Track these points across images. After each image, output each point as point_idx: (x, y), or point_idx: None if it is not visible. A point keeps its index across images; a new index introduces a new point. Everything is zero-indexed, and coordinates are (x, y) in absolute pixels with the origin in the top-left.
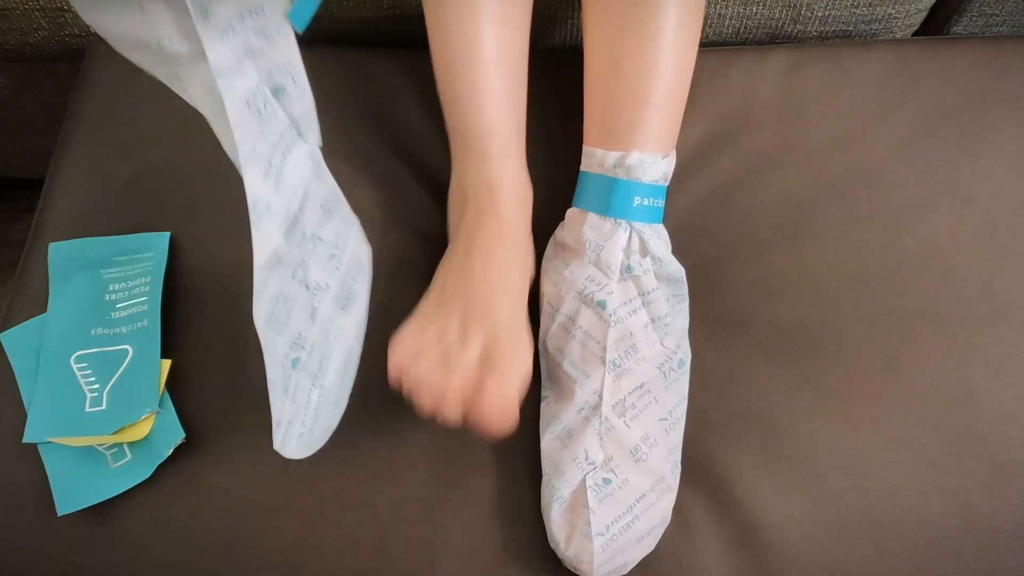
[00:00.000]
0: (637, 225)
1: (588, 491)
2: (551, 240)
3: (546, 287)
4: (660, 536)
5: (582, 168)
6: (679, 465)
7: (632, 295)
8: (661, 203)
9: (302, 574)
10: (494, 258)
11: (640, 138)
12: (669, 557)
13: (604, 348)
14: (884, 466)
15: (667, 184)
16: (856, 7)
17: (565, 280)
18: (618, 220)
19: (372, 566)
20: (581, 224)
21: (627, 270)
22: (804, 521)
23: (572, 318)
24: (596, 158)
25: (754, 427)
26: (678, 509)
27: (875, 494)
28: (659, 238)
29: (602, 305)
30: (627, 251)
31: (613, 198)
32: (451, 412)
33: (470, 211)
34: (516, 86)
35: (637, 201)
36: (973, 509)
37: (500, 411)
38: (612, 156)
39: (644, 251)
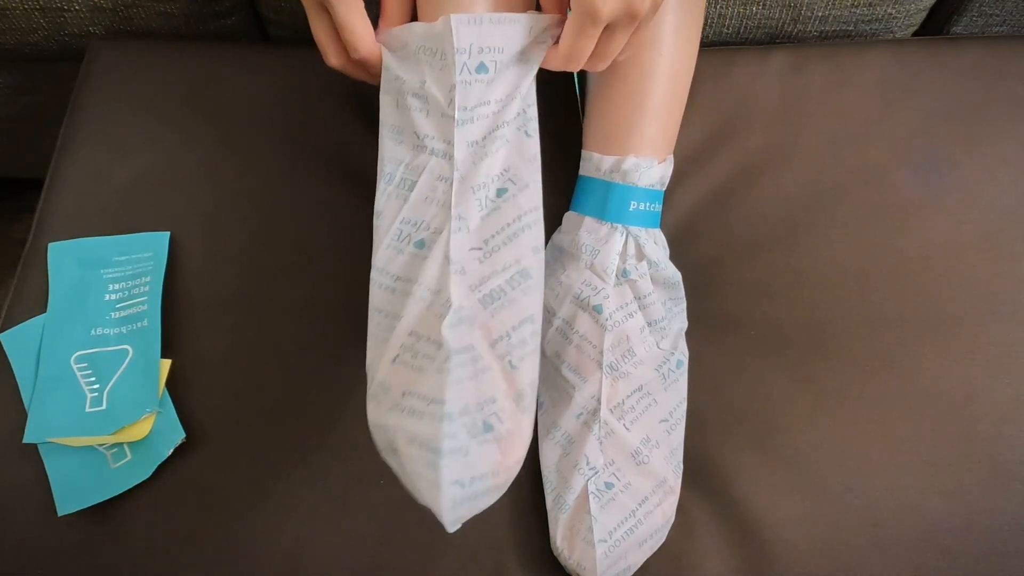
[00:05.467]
0: (633, 229)
1: (590, 497)
2: (548, 244)
3: (544, 293)
4: (664, 537)
5: (580, 172)
6: (681, 466)
7: (628, 299)
8: (658, 208)
9: (302, 574)
10: None
11: (636, 142)
12: (669, 557)
13: (601, 352)
14: (884, 466)
15: (664, 189)
16: (856, 7)
17: (562, 285)
18: (614, 224)
19: (372, 566)
20: (578, 228)
21: (623, 274)
22: (804, 521)
23: (569, 323)
24: (593, 162)
25: (754, 427)
26: (678, 509)
27: (875, 494)
28: (655, 243)
29: (598, 310)
30: (623, 255)
31: (609, 202)
32: None
33: None
34: None
35: (633, 205)
36: (973, 509)
37: None
38: (608, 160)
39: (640, 255)
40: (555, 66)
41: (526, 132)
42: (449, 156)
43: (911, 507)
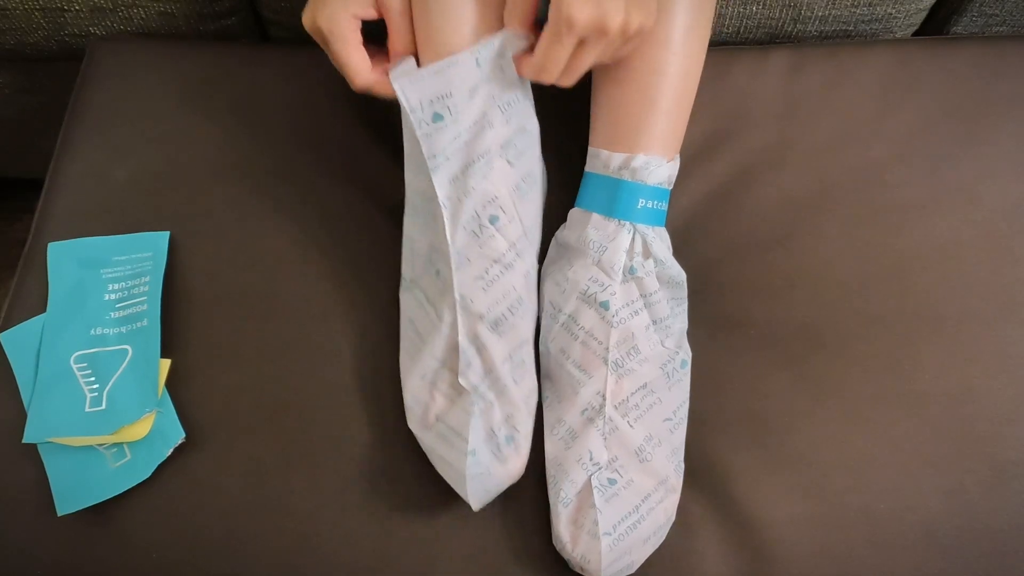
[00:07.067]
0: (640, 227)
1: (594, 491)
2: (552, 241)
3: (548, 289)
4: (664, 536)
5: (587, 169)
6: (682, 465)
7: (634, 296)
8: (664, 206)
9: (302, 574)
10: None
11: (646, 140)
12: (669, 557)
13: (607, 349)
14: (884, 466)
15: (671, 187)
16: (856, 7)
17: (568, 280)
18: (622, 221)
19: (372, 566)
20: (585, 225)
21: (630, 272)
22: (804, 521)
23: (575, 319)
24: (601, 159)
25: (754, 427)
26: (679, 509)
27: (875, 494)
28: (661, 241)
29: (605, 306)
30: (630, 253)
31: (618, 199)
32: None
33: None
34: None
35: (641, 203)
36: (973, 509)
37: None
38: (618, 158)
39: (647, 253)
40: (528, 75)
41: (508, 161)
42: (436, 198)
43: (911, 507)
